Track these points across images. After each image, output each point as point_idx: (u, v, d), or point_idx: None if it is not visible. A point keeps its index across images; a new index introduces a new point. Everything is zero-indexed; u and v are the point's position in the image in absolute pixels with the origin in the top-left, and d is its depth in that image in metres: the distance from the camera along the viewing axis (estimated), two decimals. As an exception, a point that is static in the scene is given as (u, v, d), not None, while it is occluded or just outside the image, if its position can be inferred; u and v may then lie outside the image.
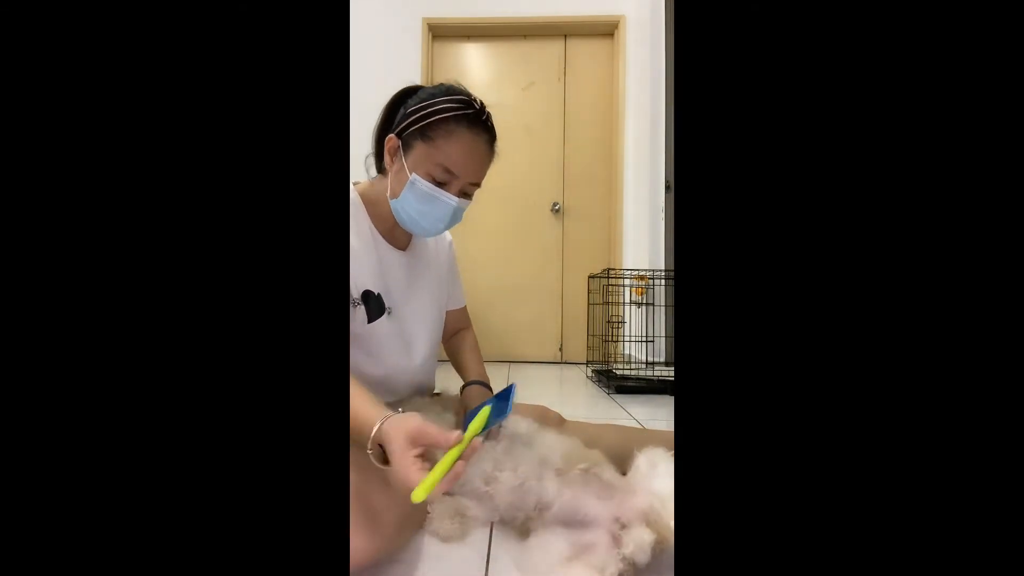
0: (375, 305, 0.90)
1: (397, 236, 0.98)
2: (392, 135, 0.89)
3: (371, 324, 0.89)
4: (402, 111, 0.89)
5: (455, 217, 0.90)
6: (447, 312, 1.10)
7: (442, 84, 0.91)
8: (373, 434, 0.62)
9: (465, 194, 0.88)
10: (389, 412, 0.64)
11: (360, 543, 0.61)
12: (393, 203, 0.90)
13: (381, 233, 0.95)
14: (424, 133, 0.85)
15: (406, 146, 0.87)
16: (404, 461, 0.57)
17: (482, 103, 0.89)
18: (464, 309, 1.18)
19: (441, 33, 3.10)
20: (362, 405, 0.66)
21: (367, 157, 0.99)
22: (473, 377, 1.03)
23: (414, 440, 0.59)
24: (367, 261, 0.90)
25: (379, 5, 3.00)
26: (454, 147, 0.84)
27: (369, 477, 0.67)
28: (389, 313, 0.93)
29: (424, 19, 3.02)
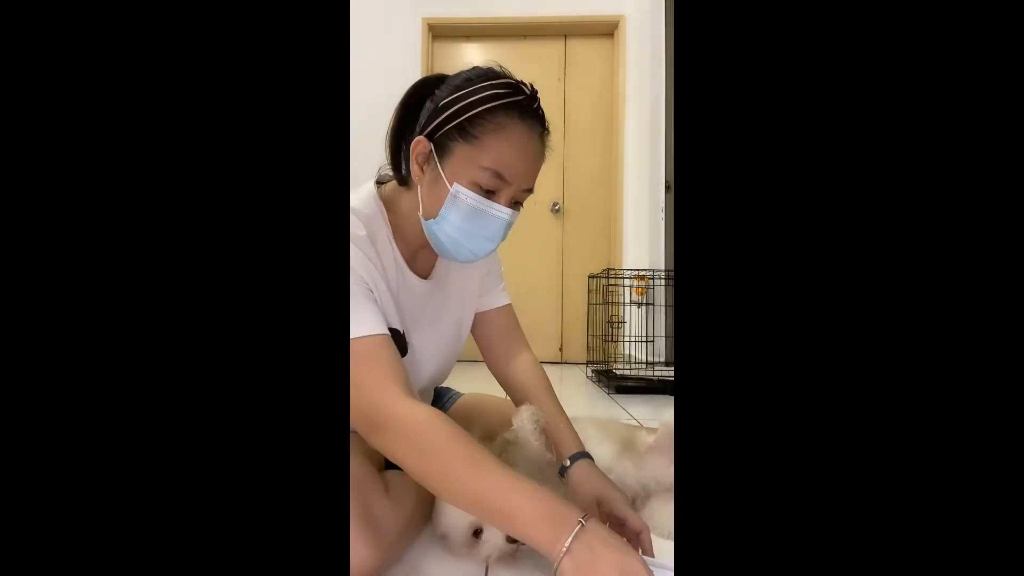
0: (398, 345, 0.75)
1: (421, 262, 0.80)
2: (421, 137, 0.69)
3: None
4: (429, 105, 0.70)
5: (505, 234, 0.72)
6: (481, 313, 0.91)
7: (477, 67, 0.71)
8: (565, 548, 0.50)
9: (516, 203, 0.71)
10: (579, 517, 0.52)
11: (362, 553, 0.60)
12: (429, 225, 0.70)
13: (405, 259, 0.76)
14: (465, 130, 0.66)
15: (441, 149, 0.68)
16: None
17: (533, 87, 0.71)
18: (508, 311, 0.93)
19: (441, 33, 3.10)
20: (543, 500, 0.53)
21: (380, 168, 0.80)
22: (573, 447, 0.77)
23: None
24: (391, 296, 0.74)
25: (379, 5, 3.00)
26: (506, 145, 0.66)
27: (369, 485, 0.66)
28: (409, 347, 0.78)
29: (424, 19, 3.02)
